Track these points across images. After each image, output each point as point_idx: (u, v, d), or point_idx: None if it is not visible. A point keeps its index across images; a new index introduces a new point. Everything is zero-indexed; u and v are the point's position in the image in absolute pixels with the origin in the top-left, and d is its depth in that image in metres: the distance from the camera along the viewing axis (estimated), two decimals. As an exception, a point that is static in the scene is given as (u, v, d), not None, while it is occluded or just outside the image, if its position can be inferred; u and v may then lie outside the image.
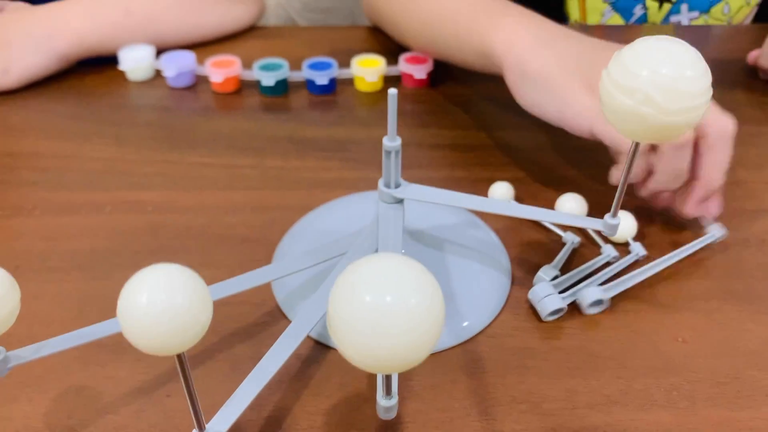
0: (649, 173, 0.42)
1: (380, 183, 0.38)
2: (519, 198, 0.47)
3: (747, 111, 0.59)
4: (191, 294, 0.19)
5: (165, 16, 0.65)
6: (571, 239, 0.43)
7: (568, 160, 0.52)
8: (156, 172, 0.51)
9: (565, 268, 0.42)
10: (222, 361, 0.36)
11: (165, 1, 0.65)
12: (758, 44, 0.64)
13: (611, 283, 0.39)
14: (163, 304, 0.19)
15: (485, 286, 0.40)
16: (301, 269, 0.37)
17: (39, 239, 0.45)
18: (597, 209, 0.46)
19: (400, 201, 0.38)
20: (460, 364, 0.36)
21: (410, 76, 0.61)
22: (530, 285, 0.41)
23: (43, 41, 0.61)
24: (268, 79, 0.60)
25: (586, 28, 0.74)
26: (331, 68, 0.60)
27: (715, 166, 0.41)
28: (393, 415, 0.29)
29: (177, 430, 0.33)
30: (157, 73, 0.64)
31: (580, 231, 0.45)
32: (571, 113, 0.43)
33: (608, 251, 0.42)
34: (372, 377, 0.35)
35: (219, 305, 0.29)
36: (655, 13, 0.75)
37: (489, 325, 0.38)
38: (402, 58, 0.62)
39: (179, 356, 0.22)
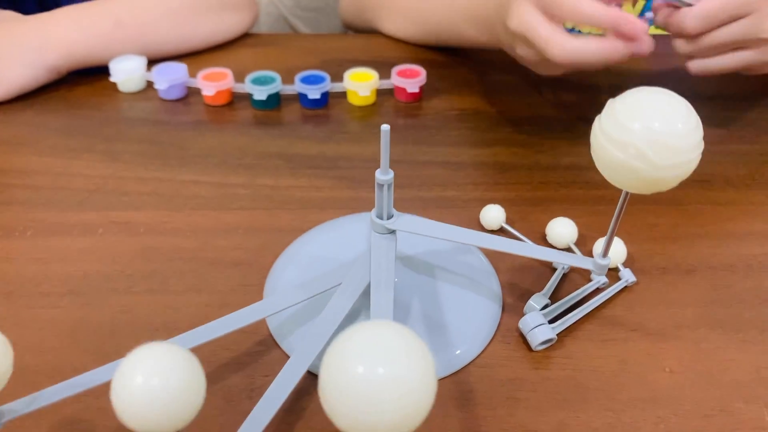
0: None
1: (373, 214, 0.38)
2: (510, 220, 0.48)
3: (736, 129, 0.59)
4: (185, 376, 0.20)
5: (156, 27, 0.65)
6: (562, 264, 0.44)
7: (559, 178, 0.52)
8: (147, 191, 0.51)
9: (555, 295, 0.42)
10: (215, 394, 0.37)
11: (156, 11, 0.65)
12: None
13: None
14: (156, 388, 0.19)
15: (476, 314, 0.41)
16: (295, 303, 0.37)
17: (31, 262, 0.44)
18: (588, 230, 0.46)
19: (393, 231, 0.38)
20: (452, 396, 0.36)
21: (403, 90, 0.61)
22: (521, 311, 0.41)
23: (32, 53, 0.60)
24: (260, 94, 0.59)
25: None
26: (324, 82, 0.60)
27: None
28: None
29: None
30: (149, 84, 0.63)
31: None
32: None
33: (597, 278, 0.42)
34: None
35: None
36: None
37: (479, 355, 0.39)
38: (394, 71, 0.62)
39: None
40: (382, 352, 0.20)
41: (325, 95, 0.61)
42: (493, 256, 0.45)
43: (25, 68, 0.60)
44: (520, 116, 0.60)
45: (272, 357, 0.39)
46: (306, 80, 0.61)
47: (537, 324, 0.38)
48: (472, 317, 0.40)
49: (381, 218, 0.37)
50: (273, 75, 0.61)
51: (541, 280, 0.43)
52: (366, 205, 0.50)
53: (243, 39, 0.72)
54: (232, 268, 0.44)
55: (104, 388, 0.36)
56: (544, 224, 0.47)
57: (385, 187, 0.36)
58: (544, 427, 0.35)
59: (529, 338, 0.39)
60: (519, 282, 0.43)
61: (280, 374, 0.32)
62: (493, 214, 0.47)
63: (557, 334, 0.39)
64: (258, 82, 0.60)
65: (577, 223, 0.46)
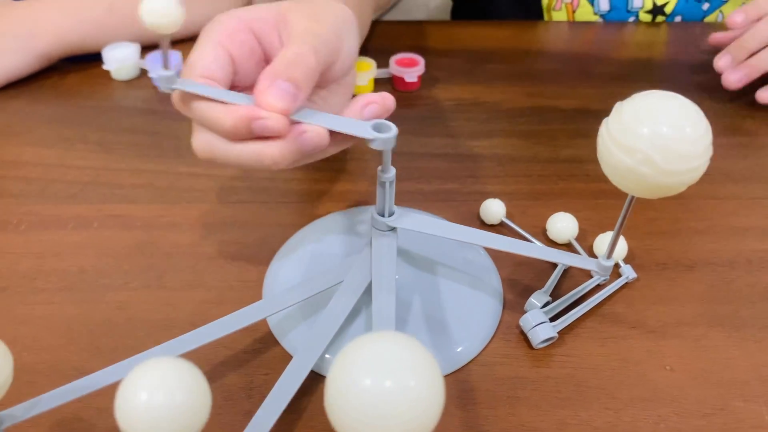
0: None
1: (374, 211, 0.37)
2: (510, 214, 0.47)
3: (736, 121, 0.59)
4: (191, 391, 0.19)
5: (149, 13, 0.63)
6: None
7: (559, 171, 0.52)
8: (143, 183, 0.50)
9: (556, 291, 0.42)
10: (214, 393, 0.36)
11: (149, -3, 0.63)
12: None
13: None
14: (162, 405, 0.19)
15: (478, 311, 0.40)
16: (296, 303, 0.36)
17: (26, 257, 0.44)
18: (588, 224, 0.46)
19: (394, 229, 0.38)
20: (453, 395, 0.36)
21: (401, 79, 0.60)
22: (521, 308, 0.41)
23: (22, 40, 0.59)
24: (257, 83, 0.58)
25: (581, 23, 0.73)
26: (321, 71, 0.59)
27: None
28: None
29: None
30: (143, 72, 0.62)
31: (572, 250, 0.45)
32: None
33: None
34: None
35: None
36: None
37: (480, 353, 0.39)
38: (392, 60, 0.61)
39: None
40: (390, 365, 0.20)
41: (323, 85, 0.60)
42: (494, 252, 0.45)
43: (15, 55, 0.59)
44: (518, 107, 0.60)
45: (272, 355, 0.38)
46: (303, 69, 0.60)
47: (538, 322, 0.38)
48: (473, 314, 0.40)
49: (382, 215, 0.37)
50: (269, 63, 0.60)
51: (541, 276, 0.43)
52: (365, 197, 0.49)
53: (238, 25, 0.71)
54: (230, 263, 0.44)
55: (104, 388, 0.36)
56: (544, 218, 0.46)
57: (387, 185, 0.36)
58: (544, 425, 0.35)
59: (530, 336, 0.39)
60: (520, 278, 0.43)
61: (283, 375, 0.32)
62: (494, 209, 0.46)
63: (558, 332, 0.39)
64: (254, 70, 0.59)
65: (578, 217, 0.45)
